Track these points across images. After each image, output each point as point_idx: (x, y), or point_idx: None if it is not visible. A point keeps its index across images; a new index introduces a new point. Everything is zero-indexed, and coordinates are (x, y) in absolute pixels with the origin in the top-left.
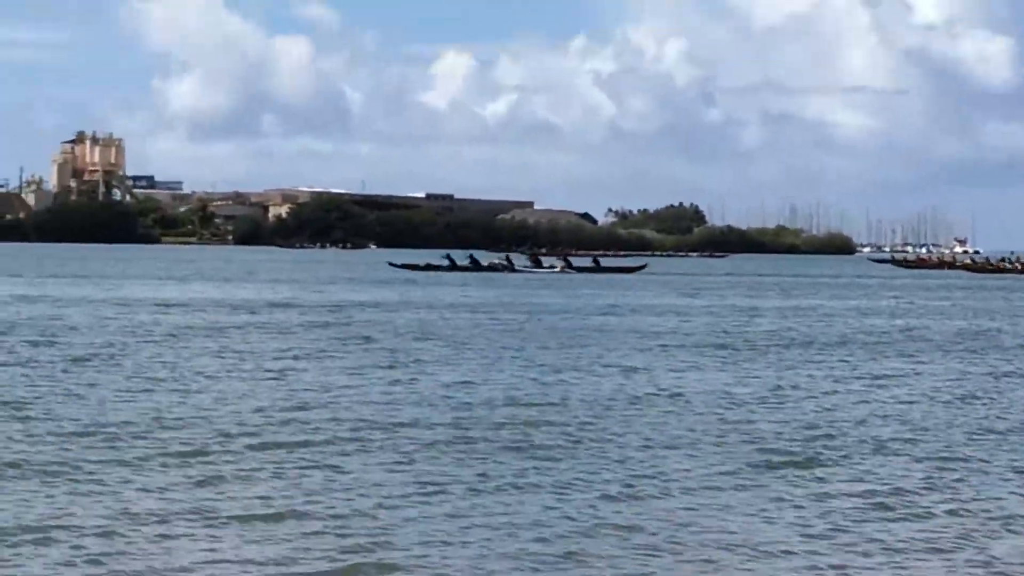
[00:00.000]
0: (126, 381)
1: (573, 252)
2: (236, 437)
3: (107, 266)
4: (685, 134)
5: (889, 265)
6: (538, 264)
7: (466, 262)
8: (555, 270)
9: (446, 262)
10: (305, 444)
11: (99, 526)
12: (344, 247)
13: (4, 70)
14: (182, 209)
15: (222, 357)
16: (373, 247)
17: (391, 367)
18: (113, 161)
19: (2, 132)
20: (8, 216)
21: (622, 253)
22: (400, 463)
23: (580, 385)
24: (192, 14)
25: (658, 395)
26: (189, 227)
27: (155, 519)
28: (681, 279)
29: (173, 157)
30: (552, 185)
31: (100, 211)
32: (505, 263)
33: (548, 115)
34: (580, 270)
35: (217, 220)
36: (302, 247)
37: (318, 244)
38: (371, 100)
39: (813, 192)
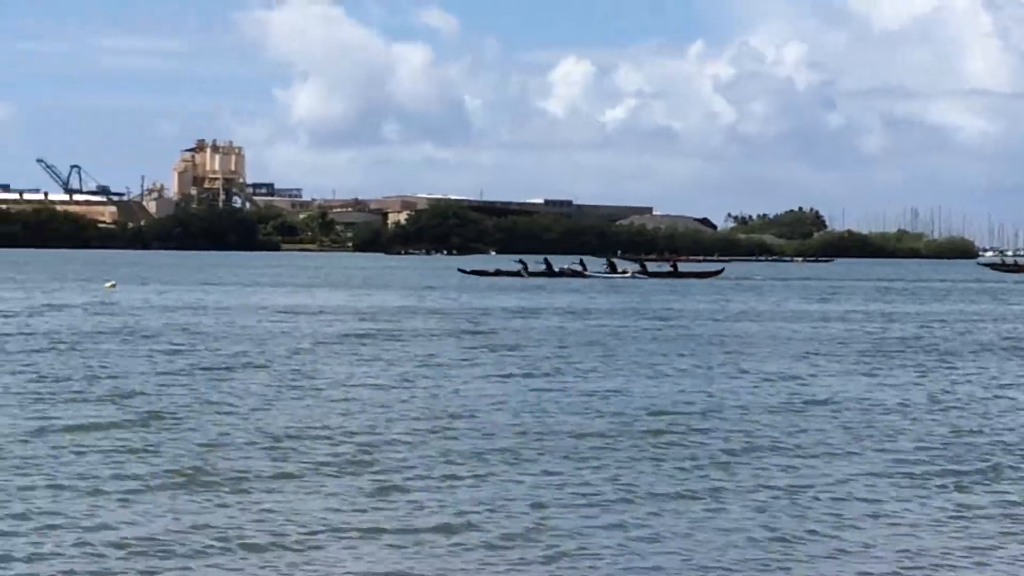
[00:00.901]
0: (276, 389)
1: (688, 258)
2: (394, 445)
3: (233, 272)
4: (805, 139)
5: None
6: (613, 269)
7: (541, 267)
8: (627, 275)
9: (518, 267)
10: (471, 453)
11: (270, 539)
12: (450, 253)
13: (127, 79)
14: (302, 216)
15: (366, 364)
16: (493, 253)
17: (540, 374)
18: (233, 169)
19: (124, 141)
20: (130, 224)
21: (740, 258)
22: (564, 472)
23: (735, 391)
24: (312, 23)
25: (815, 402)
26: (308, 234)
27: (326, 530)
28: (801, 284)
29: (293, 165)
30: (671, 191)
31: (220, 219)
32: (578, 268)
33: (667, 121)
34: (656, 275)
35: (337, 227)
36: (411, 253)
37: (435, 250)
38: (490, 107)
39: (934, 196)
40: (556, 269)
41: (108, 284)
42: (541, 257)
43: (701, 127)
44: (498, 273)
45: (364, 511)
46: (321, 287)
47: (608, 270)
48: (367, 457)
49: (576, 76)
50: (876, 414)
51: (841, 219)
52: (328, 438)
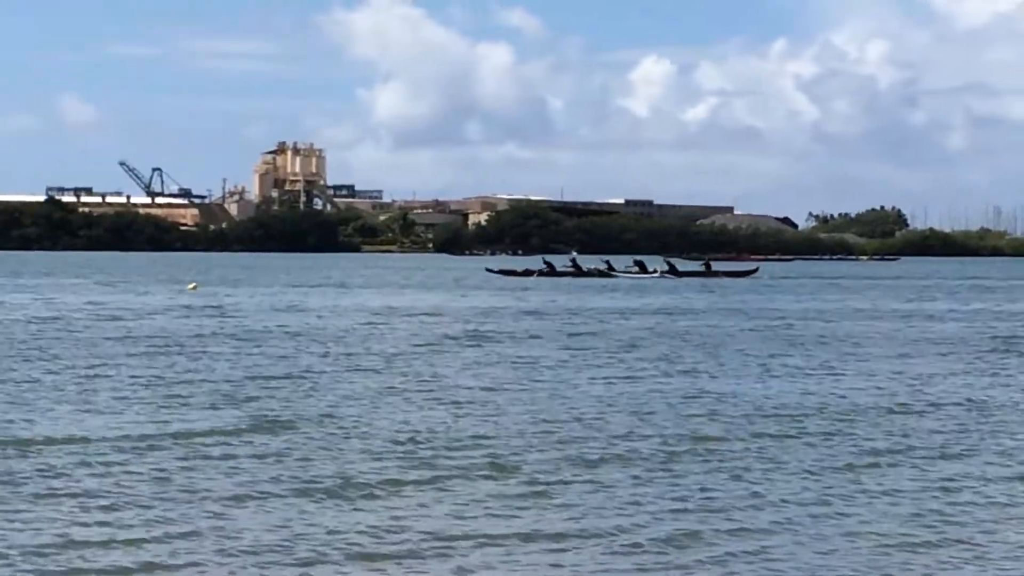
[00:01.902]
0: (390, 391)
1: (771, 256)
2: (530, 451)
3: (323, 274)
4: (888, 137)
5: None
6: (643, 269)
7: (568, 267)
8: (655, 275)
9: (545, 267)
10: (597, 457)
11: (429, 542)
12: (515, 254)
13: (208, 81)
14: (382, 218)
15: (478, 367)
16: (575, 254)
17: (660, 375)
18: (314, 170)
19: (206, 143)
20: (211, 226)
21: (825, 257)
22: (692, 474)
23: (857, 392)
24: (395, 23)
25: (943, 402)
26: (389, 235)
27: (476, 536)
28: (839, 283)
29: (374, 166)
30: (753, 190)
31: (302, 220)
32: (606, 268)
33: (749, 119)
34: (687, 274)
35: (417, 228)
36: (492, 254)
37: (512, 251)
38: (572, 107)
39: (1019, 195)
40: (584, 269)
41: (190, 286)
42: (568, 257)
43: (783, 126)
44: (526, 273)
45: (501, 516)
46: (394, 288)
47: (637, 270)
48: (497, 461)
49: (657, 75)
50: (996, 414)
51: (923, 218)
52: (453, 442)
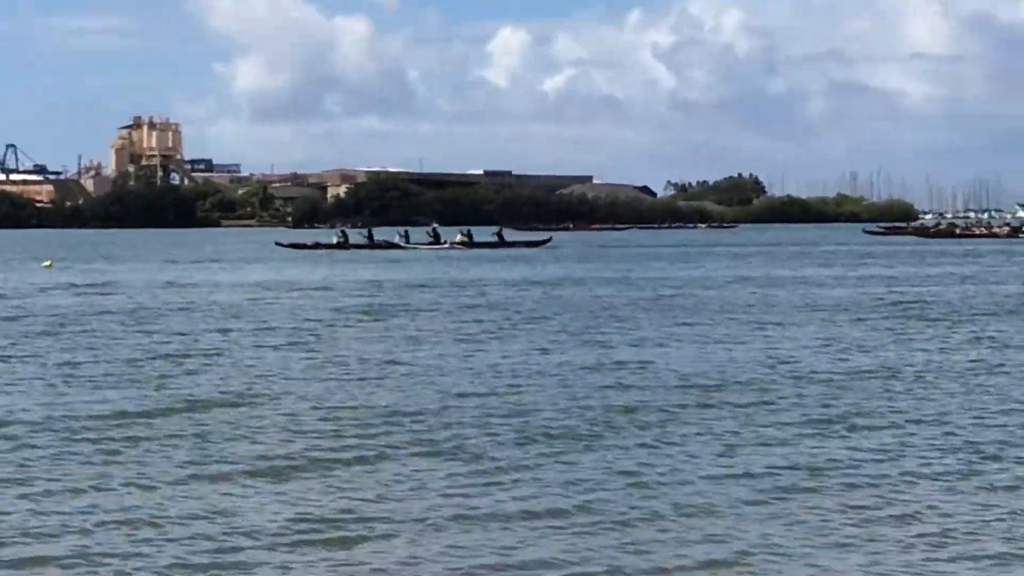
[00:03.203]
0: (307, 368)
1: (631, 225)
2: (453, 427)
3: (189, 251)
4: (746, 105)
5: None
6: (437, 240)
7: (362, 239)
8: (445, 246)
9: (338, 239)
10: (545, 431)
11: (360, 524)
12: (355, 228)
13: (63, 57)
14: (241, 192)
15: (377, 340)
16: (435, 225)
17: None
18: (170, 145)
19: (61, 119)
20: (68, 203)
21: (689, 225)
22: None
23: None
24: None
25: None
26: (248, 210)
27: (406, 518)
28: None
29: (233, 140)
30: (612, 160)
31: (159, 196)
32: (401, 239)
33: (607, 90)
34: (481, 245)
35: (276, 202)
36: (352, 226)
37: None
38: (431, 79)
39: (876, 161)
40: (378, 241)
41: (45, 263)
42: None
43: (642, 96)
44: (316, 246)
45: (433, 495)
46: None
47: (432, 240)
48: (422, 438)
49: (515, 46)
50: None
51: (781, 185)
52: (372, 419)
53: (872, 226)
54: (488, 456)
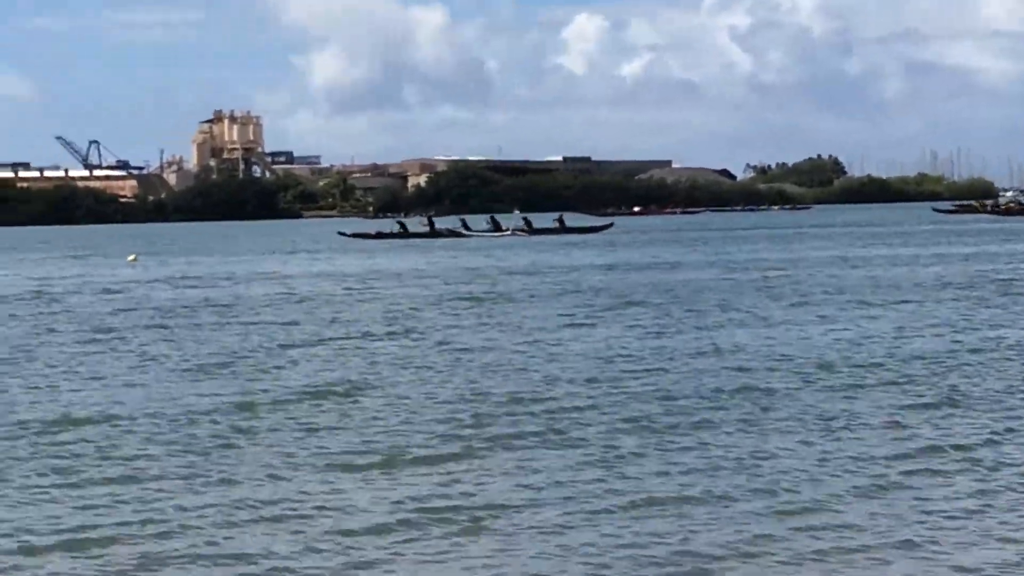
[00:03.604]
0: (416, 359)
1: (703, 208)
2: (564, 415)
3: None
4: (824, 86)
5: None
6: (498, 227)
7: (425, 228)
8: (508, 233)
9: (398, 228)
10: (645, 417)
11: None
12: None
13: (143, 53)
14: (321, 183)
15: (490, 328)
16: (517, 212)
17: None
18: (251, 138)
19: (142, 115)
20: (150, 197)
21: (761, 208)
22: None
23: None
24: None
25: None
26: (329, 200)
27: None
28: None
29: (311, 132)
30: (691, 144)
31: (240, 188)
32: (462, 228)
33: (684, 73)
34: (542, 231)
35: (357, 192)
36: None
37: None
38: (507, 66)
39: (955, 140)
40: (440, 229)
41: (131, 257)
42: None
43: (718, 79)
44: (380, 235)
45: (578, 483)
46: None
47: (492, 228)
48: (554, 426)
49: (590, 32)
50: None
51: (860, 165)
52: (503, 406)
53: (944, 204)
54: (604, 443)
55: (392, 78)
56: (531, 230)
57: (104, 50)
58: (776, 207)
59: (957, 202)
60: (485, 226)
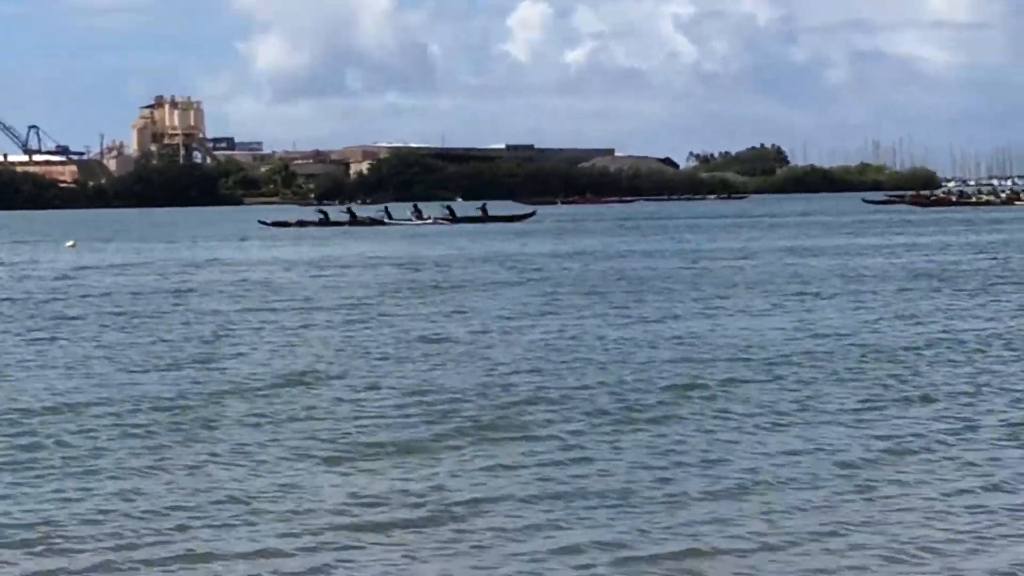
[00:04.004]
0: (373, 347)
1: (637, 197)
2: (535, 406)
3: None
4: (768, 75)
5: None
6: (420, 215)
7: (344, 217)
8: (430, 221)
9: (319, 216)
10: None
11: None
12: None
13: (84, 38)
14: (263, 169)
15: (433, 317)
16: (459, 200)
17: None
18: (192, 124)
19: (83, 100)
20: (91, 183)
21: (711, 196)
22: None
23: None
24: None
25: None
26: (271, 187)
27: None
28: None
29: (254, 118)
30: (634, 132)
31: (181, 174)
32: (383, 216)
33: (628, 61)
34: (465, 220)
35: (299, 179)
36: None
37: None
38: (452, 53)
39: (899, 129)
40: (361, 218)
41: (69, 243)
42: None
43: (662, 67)
44: (301, 223)
45: (530, 475)
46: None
47: (415, 216)
48: (503, 417)
49: (535, 19)
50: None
51: (803, 154)
52: (449, 396)
53: (874, 195)
54: (554, 435)
55: (336, 64)
56: (454, 219)
57: (44, 35)
58: (713, 196)
59: (891, 192)
60: (407, 215)
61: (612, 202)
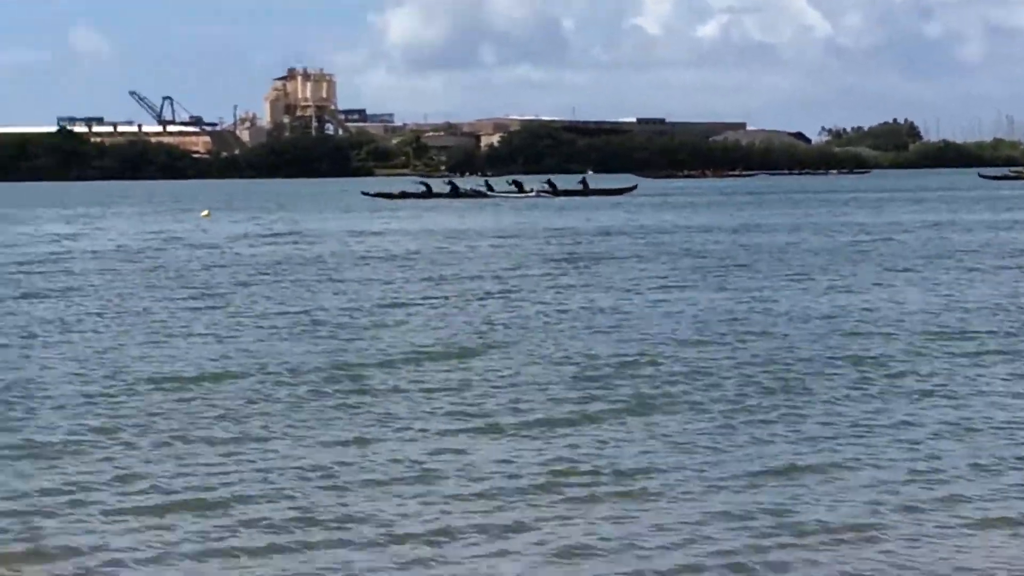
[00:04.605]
0: (527, 318)
1: (787, 171)
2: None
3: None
4: (901, 50)
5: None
6: (520, 188)
7: (446, 188)
8: (532, 194)
9: (422, 188)
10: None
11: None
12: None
13: (218, 9)
14: (395, 141)
15: (586, 288)
16: (591, 173)
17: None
18: (324, 96)
19: (217, 71)
20: (224, 154)
21: (833, 172)
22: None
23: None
24: None
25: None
26: (402, 159)
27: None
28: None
29: (385, 90)
30: (766, 106)
31: (313, 146)
32: (484, 188)
33: (760, 35)
34: (565, 193)
35: (430, 151)
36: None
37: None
38: (585, 26)
39: None
40: (463, 190)
41: (204, 213)
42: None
43: (795, 41)
44: (403, 195)
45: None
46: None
47: (515, 189)
48: (669, 390)
49: None
50: None
51: (936, 130)
52: (614, 369)
53: (989, 171)
54: (718, 409)
55: (469, 37)
56: (555, 192)
57: (178, 6)
58: (835, 171)
59: (1013, 168)
60: (508, 187)
61: (733, 175)
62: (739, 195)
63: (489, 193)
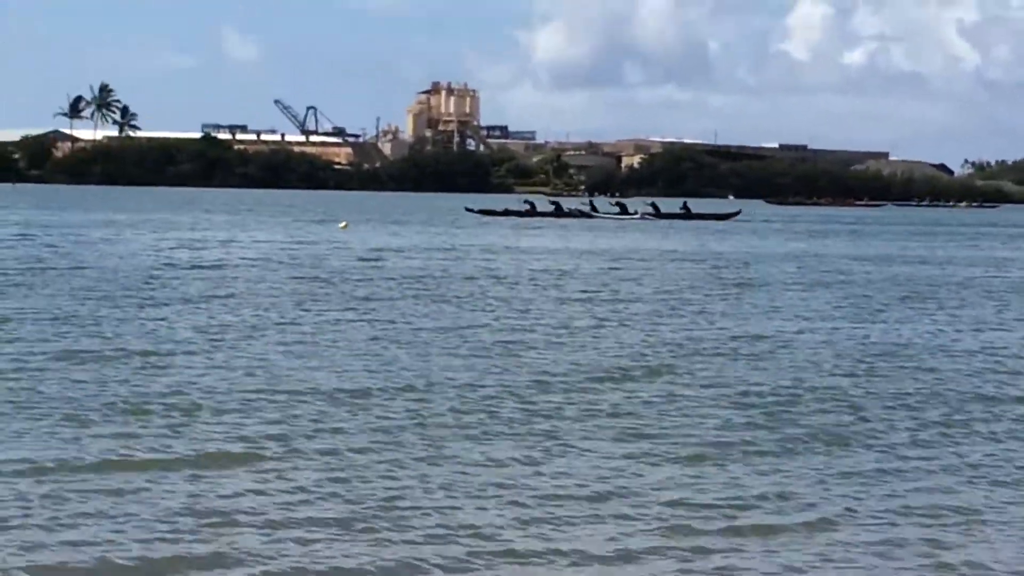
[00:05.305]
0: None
1: (915, 202)
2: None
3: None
4: None
5: None
6: (624, 210)
7: (549, 208)
8: (636, 216)
9: (526, 207)
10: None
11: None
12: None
13: (366, 20)
14: (535, 159)
15: (750, 313)
16: (731, 198)
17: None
18: (467, 111)
19: (361, 82)
20: (365, 165)
21: (975, 205)
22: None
23: None
24: None
25: None
26: (542, 177)
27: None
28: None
29: (528, 108)
30: (910, 136)
31: (455, 161)
32: (588, 209)
33: (908, 64)
34: (668, 216)
35: (570, 170)
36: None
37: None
38: (730, 50)
39: None
40: (567, 210)
41: (342, 225)
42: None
43: (942, 72)
44: (506, 213)
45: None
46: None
47: (618, 210)
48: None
49: (816, 19)
50: None
51: None
52: (779, 398)
53: None
54: (886, 442)
55: (614, 56)
56: (659, 214)
57: (324, 17)
58: (964, 204)
59: None
60: (611, 208)
61: (860, 206)
62: (840, 224)
63: (593, 214)
